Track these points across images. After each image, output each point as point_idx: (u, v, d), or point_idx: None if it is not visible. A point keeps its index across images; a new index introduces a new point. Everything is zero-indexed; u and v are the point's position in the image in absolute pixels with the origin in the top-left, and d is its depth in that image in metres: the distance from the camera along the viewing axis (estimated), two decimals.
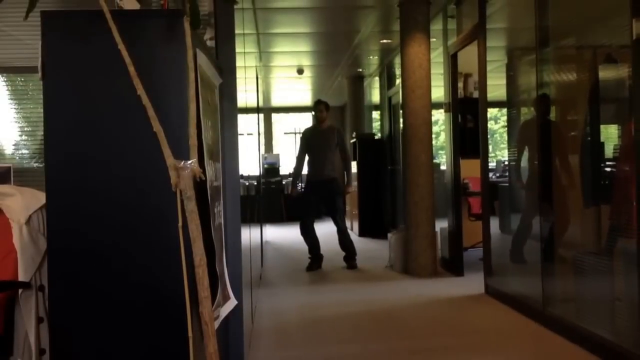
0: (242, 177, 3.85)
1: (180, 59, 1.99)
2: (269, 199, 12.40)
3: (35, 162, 3.64)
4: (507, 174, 5.98)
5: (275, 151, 15.42)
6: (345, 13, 7.48)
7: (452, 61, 6.61)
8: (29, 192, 2.39)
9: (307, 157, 7.26)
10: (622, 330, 3.48)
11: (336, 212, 7.02)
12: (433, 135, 6.83)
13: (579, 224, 4.19)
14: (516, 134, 5.11)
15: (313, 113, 7.52)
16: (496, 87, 6.09)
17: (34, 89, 3.75)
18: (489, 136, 5.61)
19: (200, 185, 2.04)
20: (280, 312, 5.06)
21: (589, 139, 4.02)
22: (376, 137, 10.79)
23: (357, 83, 11.93)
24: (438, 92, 7.00)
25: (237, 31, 3.34)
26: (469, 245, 6.69)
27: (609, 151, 3.87)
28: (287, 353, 3.96)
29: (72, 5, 3.19)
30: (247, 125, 6.85)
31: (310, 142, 7.19)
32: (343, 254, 7.10)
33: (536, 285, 4.44)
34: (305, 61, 10.42)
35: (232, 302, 2.60)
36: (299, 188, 7.56)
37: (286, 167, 15.09)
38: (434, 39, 6.96)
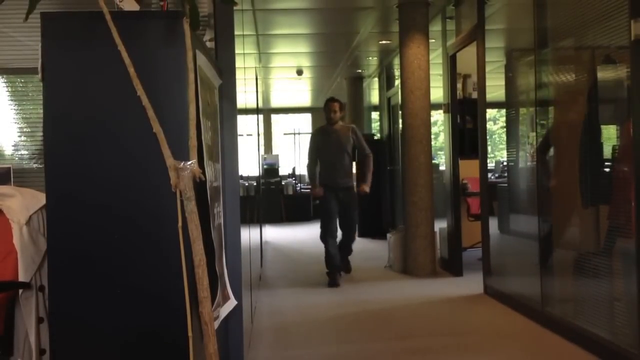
0: (241, 177, 3.86)
1: (180, 60, 2.00)
2: (269, 199, 12.41)
3: (35, 163, 3.64)
4: (506, 174, 5.98)
5: (274, 152, 15.43)
6: (344, 14, 7.49)
7: (451, 62, 6.62)
8: (29, 193, 2.40)
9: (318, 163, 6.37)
10: (620, 330, 3.49)
11: (350, 226, 6.25)
12: (432, 136, 6.84)
13: (578, 224, 4.19)
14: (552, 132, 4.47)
15: (324, 113, 6.30)
16: (495, 87, 6.10)
17: (34, 90, 3.76)
18: (487, 137, 5.62)
19: (200, 186, 2.05)
20: (279, 312, 5.06)
21: (588, 139, 4.02)
22: (375, 138, 10.80)
23: (357, 84, 11.95)
24: (437, 92, 7.01)
25: (236, 32, 3.34)
26: (468, 245, 6.70)
27: (607, 151, 3.88)
28: (287, 353, 3.97)
29: (72, 7, 3.20)
30: (247, 126, 6.84)
31: (320, 145, 6.25)
32: (353, 254, 6.96)
33: (535, 285, 4.45)
34: (305, 62, 10.43)
35: (232, 302, 2.61)
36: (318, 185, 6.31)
37: (285, 167, 15.11)
38: (433, 40, 6.97)
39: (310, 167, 6.38)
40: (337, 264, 6.09)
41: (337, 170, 6.12)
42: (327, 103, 6.27)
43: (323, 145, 6.23)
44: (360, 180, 6.34)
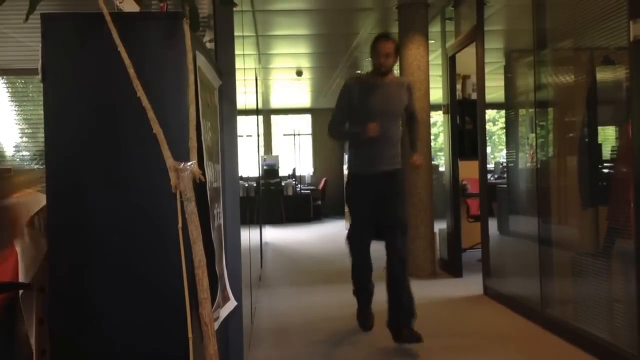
0: (241, 178, 3.86)
1: (180, 61, 2.00)
2: (269, 200, 12.41)
3: (36, 164, 3.64)
4: (505, 175, 5.99)
5: (274, 153, 15.44)
6: (344, 15, 7.50)
7: (450, 63, 6.63)
8: (30, 194, 2.40)
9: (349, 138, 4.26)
10: (620, 331, 3.49)
11: (396, 225, 3.94)
12: (432, 137, 6.84)
13: (577, 225, 4.20)
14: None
15: (371, 57, 4.11)
16: (494, 88, 6.11)
17: (34, 91, 3.76)
18: (487, 138, 5.63)
19: (199, 187, 2.05)
20: (279, 312, 5.06)
21: (587, 140, 4.03)
22: None
23: None
24: (436, 93, 7.02)
25: (236, 33, 3.35)
26: (467, 246, 6.71)
27: (606, 153, 3.89)
28: (287, 353, 3.97)
29: (72, 8, 3.20)
30: (247, 127, 6.84)
31: (359, 104, 3.97)
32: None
33: (535, 286, 4.45)
34: (304, 63, 10.44)
35: (232, 303, 2.61)
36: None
37: (285, 168, 15.11)
38: (433, 41, 6.97)
39: (338, 127, 4.13)
40: (367, 285, 4.19)
41: (383, 148, 3.96)
42: (376, 41, 4.03)
43: (363, 105, 3.95)
44: (410, 148, 4.28)
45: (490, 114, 11.16)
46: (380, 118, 3.89)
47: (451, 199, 6.57)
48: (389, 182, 3.99)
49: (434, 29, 7.01)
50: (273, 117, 16.12)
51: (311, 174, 15.84)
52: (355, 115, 3.99)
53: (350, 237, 4.17)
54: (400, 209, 4.01)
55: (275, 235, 10.85)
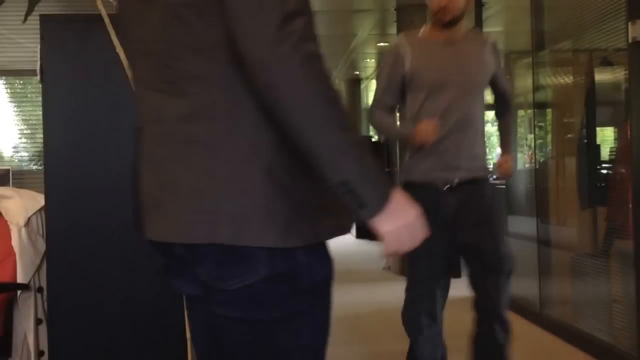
0: None
1: None
2: None
3: (34, 165, 3.65)
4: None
5: None
6: (342, 16, 7.50)
7: None
8: (28, 195, 2.40)
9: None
10: (619, 332, 3.50)
11: (500, 266, 2.65)
12: None
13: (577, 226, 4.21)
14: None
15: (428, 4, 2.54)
16: None
17: (33, 92, 3.76)
18: (486, 138, 5.63)
19: None
20: None
21: (586, 141, 4.04)
22: (374, 140, 10.81)
23: (355, 86, 11.98)
24: None
25: None
26: None
27: (605, 153, 3.90)
28: None
29: (70, 9, 3.20)
30: None
31: (417, 74, 2.44)
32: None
33: (533, 287, 4.45)
34: None
35: None
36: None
37: None
38: None
39: (379, 115, 2.69)
40: None
41: (460, 140, 2.48)
42: None
43: (424, 75, 2.45)
44: (503, 150, 2.90)
45: (489, 115, 11.16)
46: (454, 95, 2.42)
47: None
48: (474, 193, 2.53)
49: None
50: None
51: None
52: (413, 91, 2.50)
53: (407, 309, 2.76)
54: (502, 240, 2.66)
55: None
